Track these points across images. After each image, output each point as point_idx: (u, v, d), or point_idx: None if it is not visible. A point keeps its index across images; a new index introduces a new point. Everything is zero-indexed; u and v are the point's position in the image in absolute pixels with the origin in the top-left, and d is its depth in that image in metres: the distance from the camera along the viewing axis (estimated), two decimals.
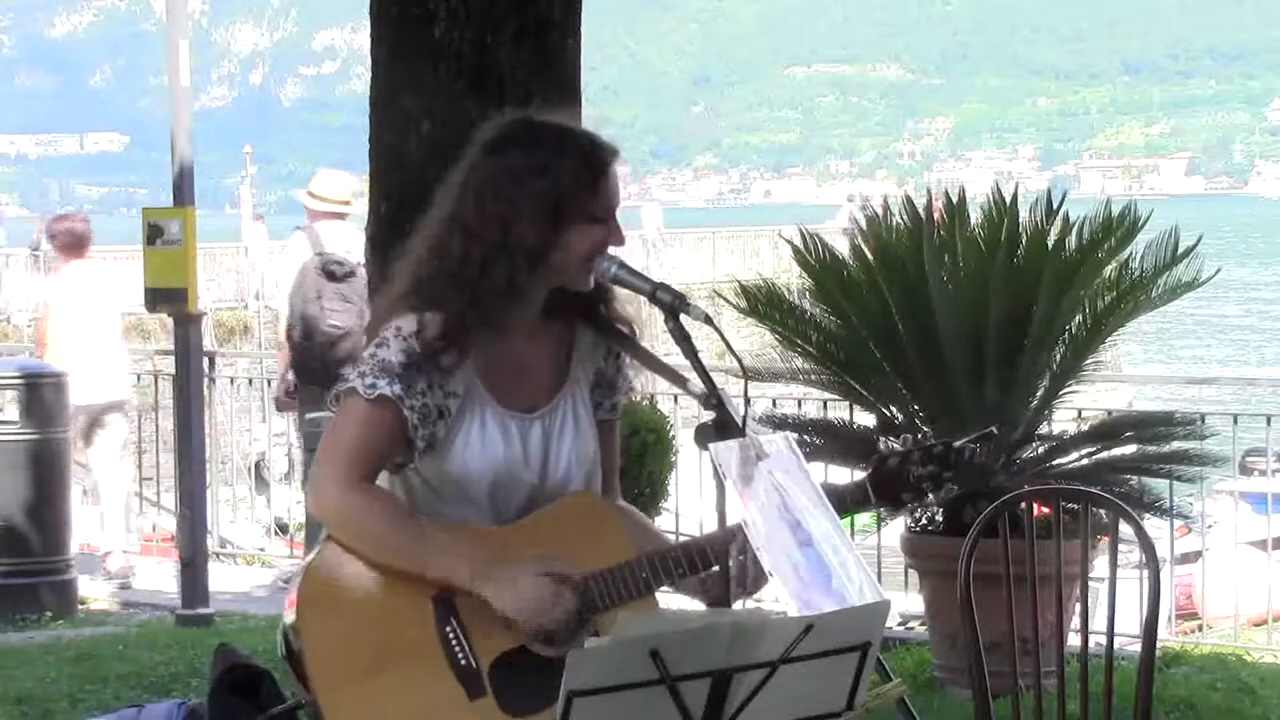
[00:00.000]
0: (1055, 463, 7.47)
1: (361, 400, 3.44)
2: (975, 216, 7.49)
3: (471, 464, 3.50)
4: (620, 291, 3.61)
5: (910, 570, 7.96)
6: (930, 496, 3.58)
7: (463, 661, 3.42)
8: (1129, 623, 7.07)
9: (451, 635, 3.42)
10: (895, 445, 3.59)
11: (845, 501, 3.54)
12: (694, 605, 3.64)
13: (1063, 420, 8.11)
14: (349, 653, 3.42)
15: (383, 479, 3.54)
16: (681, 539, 3.66)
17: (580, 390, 3.63)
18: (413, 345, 3.45)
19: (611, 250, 3.55)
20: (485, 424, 3.51)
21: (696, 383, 3.48)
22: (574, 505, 3.56)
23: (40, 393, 10.21)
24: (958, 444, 3.58)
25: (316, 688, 3.43)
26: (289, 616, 3.46)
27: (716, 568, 3.50)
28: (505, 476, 3.52)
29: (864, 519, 7.60)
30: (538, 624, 3.42)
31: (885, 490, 3.57)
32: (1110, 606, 4.49)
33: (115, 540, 11.70)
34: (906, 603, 8.70)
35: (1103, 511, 4.72)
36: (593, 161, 3.50)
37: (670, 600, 3.75)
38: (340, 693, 3.42)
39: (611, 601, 3.46)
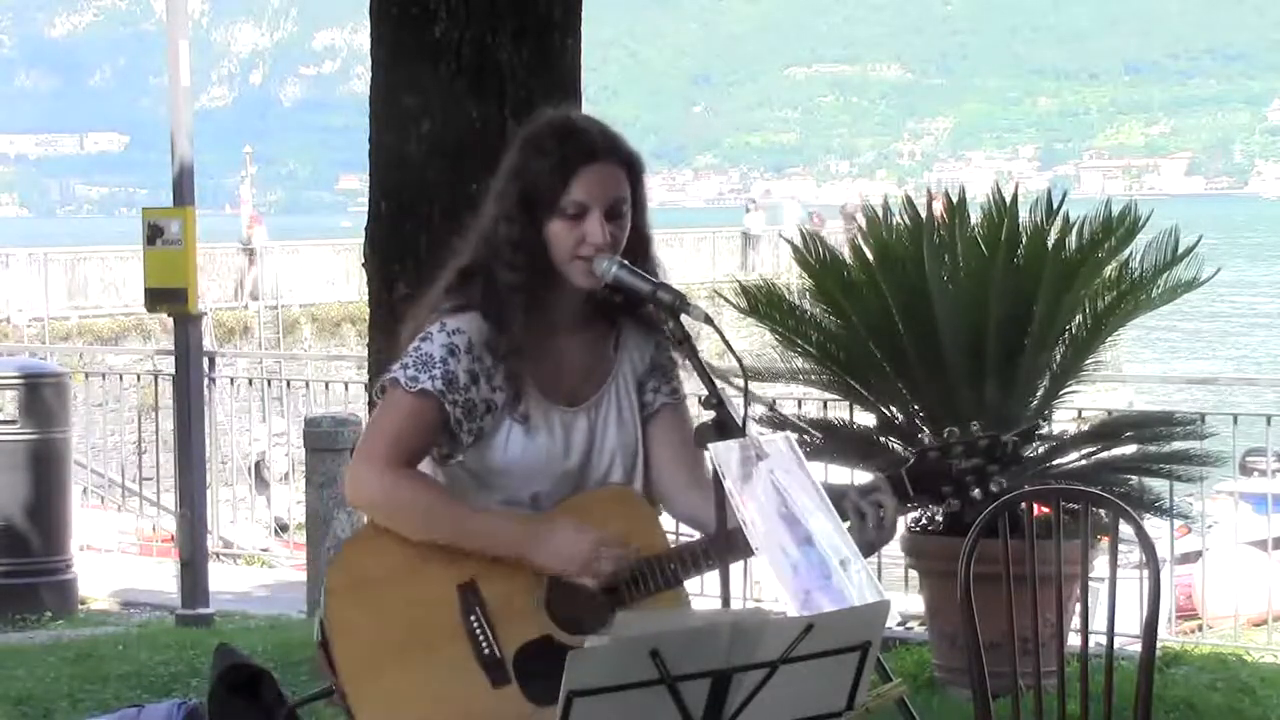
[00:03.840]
0: (1055, 463, 7.47)
1: (404, 392, 3.50)
2: (975, 216, 7.49)
3: (514, 455, 3.54)
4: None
5: (910, 570, 7.96)
6: (973, 491, 3.55)
7: (486, 650, 3.45)
8: (1129, 623, 7.06)
9: (475, 624, 3.46)
10: (938, 437, 3.55)
11: (879, 494, 3.50)
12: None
13: (1063, 420, 8.11)
14: (374, 641, 3.47)
15: (429, 470, 3.59)
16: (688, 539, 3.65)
17: (626, 383, 3.66)
18: (455, 341, 3.50)
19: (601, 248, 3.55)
20: (529, 416, 3.54)
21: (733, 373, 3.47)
22: (606, 496, 3.58)
23: (40, 393, 10.23)
24: (1005, 437, 3.57)
25: (342, 675, 3.47)
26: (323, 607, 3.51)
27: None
28: (547, 468, 3.56)
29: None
30: (586, 572, 3.44)
31: (925, 483, 3.55)
32: (1110, 606, 4.49)
33: None
34: (906, 603, 8.70)
35: (1103, 511, 4.72)
36: (565, 159, 3.52)
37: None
38: (365, 680, 3.46)
39: (639, 592, 3.48)
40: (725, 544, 3.46)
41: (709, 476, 3.58)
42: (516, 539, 3.46)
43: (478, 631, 3.46)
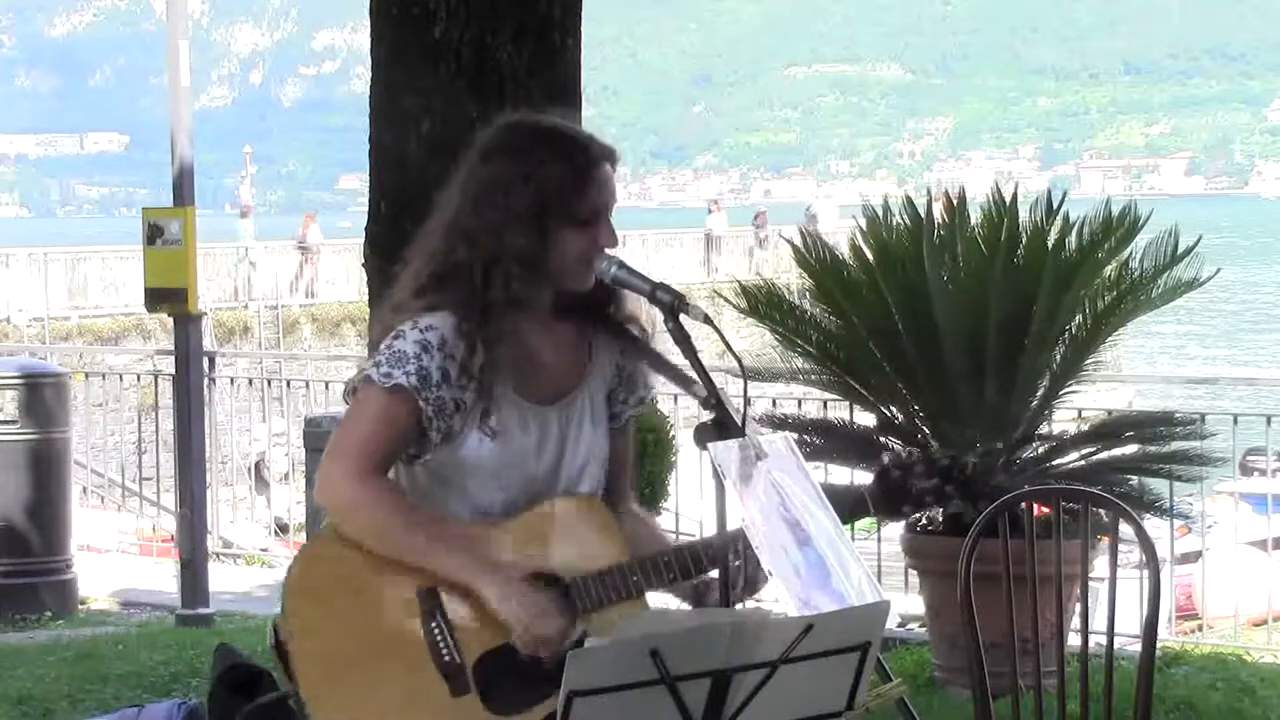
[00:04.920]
0: (1055, 463, 7.47)
1: (377, 390, 3.45)
2: (975, 216, 7.49)
3: (486, 454, 3.49)
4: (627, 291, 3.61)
5: (910, 570, 7.96)
6: (932, 510, 3.58)
7: (446, 658, 3.41)
8: (1129, 623, 7.06)
9: (436, 631, 3.42)
10: (899, 450, 3.58)
11: (842, 511, 3.49)
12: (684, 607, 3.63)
13: (1063, 420, 8.11)
14: (333, 645, 3.43)
15: (398, 471, 3.55)
16: (681, 539, 3.65)
17: (598, 386, 3.62)
18: (428, 338, 3.45)
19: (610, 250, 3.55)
20: (501, 414, 3.50)
21: (701, 388, 3.47)
22: (571, 506, 3.54)
23: (40, 393, 10.22)
24: (966, 459, 3.57)
25: (300, 679, 3.43)
26: (278, 606, 3.47)
27: (711, 573, 3.50)
28: (517, 468, 3.52)
29: (864, 519, 7.60)
30: (530, 633, 3.41)
31: (886, 503, 3.57)
32: (1110, 606, 4.49)
33: None
34: (906, 603, 8.69)
35: (1103, 511, 4.72)
36: (576, 166, 3.50)
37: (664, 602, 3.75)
38: (323, 685, 3.42)
39: (600, 604, 3.45)
40: (696, 557, 3.46)
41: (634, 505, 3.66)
42: (469, 570, 3.40)
43: (438, 638, 3.41)
